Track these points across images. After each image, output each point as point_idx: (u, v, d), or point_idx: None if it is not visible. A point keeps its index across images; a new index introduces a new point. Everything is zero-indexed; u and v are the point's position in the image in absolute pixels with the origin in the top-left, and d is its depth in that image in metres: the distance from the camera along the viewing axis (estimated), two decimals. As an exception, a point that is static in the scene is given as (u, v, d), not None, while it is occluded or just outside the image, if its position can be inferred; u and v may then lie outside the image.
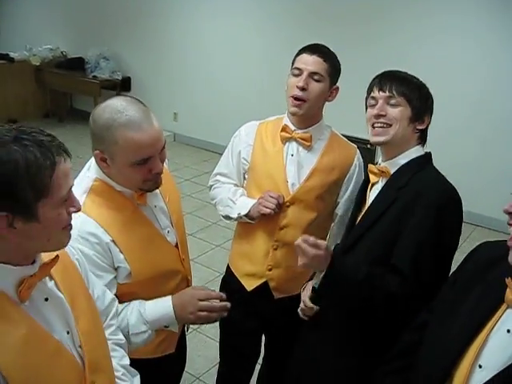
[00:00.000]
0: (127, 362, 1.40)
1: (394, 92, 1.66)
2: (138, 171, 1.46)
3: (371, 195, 1.75)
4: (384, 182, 1.72)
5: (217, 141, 6.10)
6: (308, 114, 1.95)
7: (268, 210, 1.90)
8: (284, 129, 2.01)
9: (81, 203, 1.16)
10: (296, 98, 1.91)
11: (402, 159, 1.68)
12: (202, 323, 1.62)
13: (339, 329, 1.71)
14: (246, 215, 1.99)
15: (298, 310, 1.81)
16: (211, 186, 2.21)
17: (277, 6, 5.60)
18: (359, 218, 1.74)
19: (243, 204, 2.02)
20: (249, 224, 2.03)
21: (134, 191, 1.55)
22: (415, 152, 1.69)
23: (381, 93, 1.68)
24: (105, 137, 1.41)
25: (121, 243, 1.50)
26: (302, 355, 1.86)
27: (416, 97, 1.67)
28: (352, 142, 2.13)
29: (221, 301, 1.55)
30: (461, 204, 1.60)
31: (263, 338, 2.33)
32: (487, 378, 1.07)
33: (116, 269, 1.52)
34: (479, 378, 1.09)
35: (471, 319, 1.15)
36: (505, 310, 1.12)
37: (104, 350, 1.28)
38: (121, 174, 1.49)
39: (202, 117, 6.48)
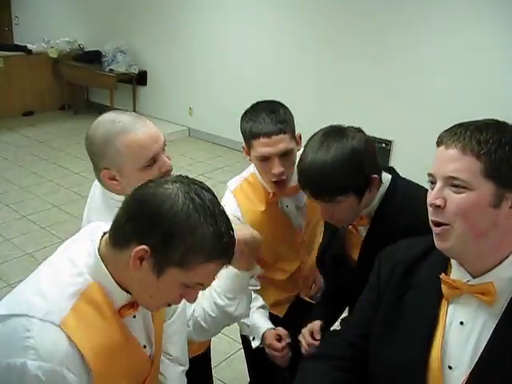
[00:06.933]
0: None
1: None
2: (150, 175, 1.39)
3: None
4: None
5: (231, 136, 6.07)
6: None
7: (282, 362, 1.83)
8: (274, 195, 1.80)
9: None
10: (277, 182, 1.73)
11: None
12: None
13: None
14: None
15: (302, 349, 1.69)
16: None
17: (303, 3, 5.56)
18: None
19: (255, 329, 1.84)
20: (266, 277, 1.85)
21: None
22: None
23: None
24: (106, 151, 1.40)
25: None
26: None
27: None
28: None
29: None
30: None
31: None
32: (462, 378, 1.06)
33: None
34: (453, 379, 1.08)
35: (420, 325, 1.13)
36: (447, 306, 1.11)
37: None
38: (133, 186, 1.44)
39: (217, 112, 6.47)
